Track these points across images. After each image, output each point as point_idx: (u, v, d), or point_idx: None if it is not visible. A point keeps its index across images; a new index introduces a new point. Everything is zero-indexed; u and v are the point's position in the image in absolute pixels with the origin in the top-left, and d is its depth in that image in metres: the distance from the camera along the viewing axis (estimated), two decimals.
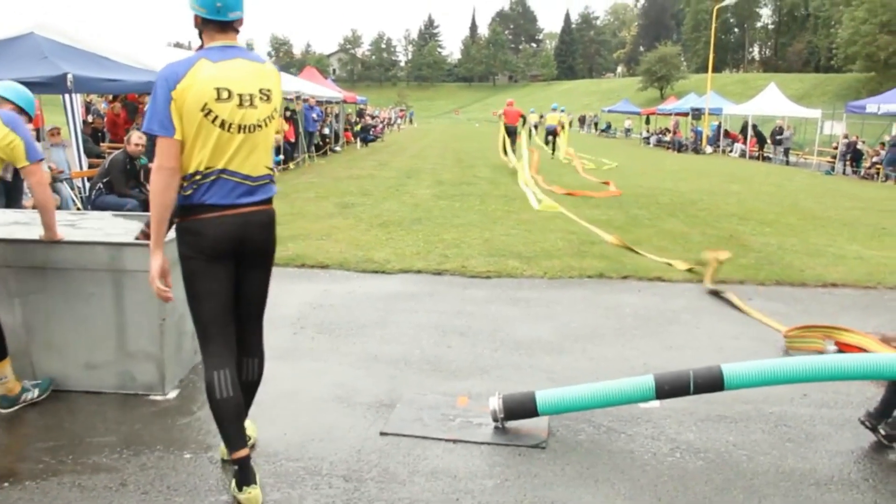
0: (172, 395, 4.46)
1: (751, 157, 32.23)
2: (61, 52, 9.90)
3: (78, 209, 9.70)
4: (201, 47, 3.32)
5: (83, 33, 11.14)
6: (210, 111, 3.12)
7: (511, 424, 4.11)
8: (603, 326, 6.13)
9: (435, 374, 4.95)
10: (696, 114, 38.21)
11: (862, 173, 24.36)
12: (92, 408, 4.26)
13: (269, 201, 3.37)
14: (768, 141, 31.95)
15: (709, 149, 35.68)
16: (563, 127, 27.99)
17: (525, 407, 4.05)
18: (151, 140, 3.25)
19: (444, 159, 24.19)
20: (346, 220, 10.70)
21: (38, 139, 10.86)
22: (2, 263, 4.33)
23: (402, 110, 71.87)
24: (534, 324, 6.13)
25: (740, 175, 22.40)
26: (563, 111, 30.37)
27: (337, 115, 28.60)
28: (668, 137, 39.66)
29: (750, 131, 33.49)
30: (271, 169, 3.40)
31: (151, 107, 3.16)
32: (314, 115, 22.02)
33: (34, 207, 4.37)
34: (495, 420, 4.10)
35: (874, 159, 23.78)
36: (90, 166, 11.00)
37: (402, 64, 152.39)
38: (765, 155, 31.81)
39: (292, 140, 20.15)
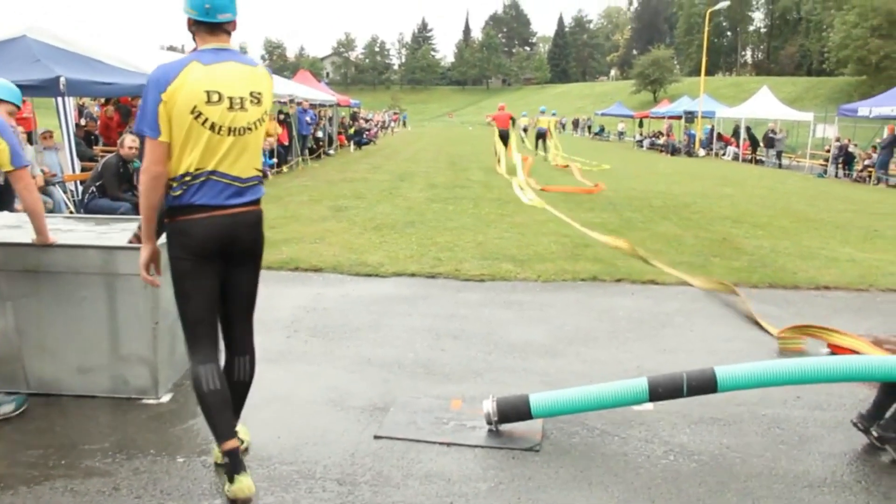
0: (166, 398, 4.44)
1: (744, 160, 32.29)
2: (54, 55, 9.89)
3: (70, 212, 9.68)
4: (195, 50, 3.34)
5: (76, 36, 11.12)
6: (200, 113, 3.15)
7: (505, 427, 4.11)
8: (596, 329, 6.14)
9: (429, 378, 4.95)
10: (690, 117, 38.31)
11: (854, 176, 24.43)
12: (85, 412, 4.25)
13: (257, 202, 3.42)
14: (761, 144, 32.02)
15: (702, 152, 35.76)
16: (550, 132, 28.66)
17: (519, 410, 4.05)
18: (143, 142, 3.29)
19: (437, 162, 24.19)
20: (339, 224, 10.69)
21: (31, 142, 10.84)
22: None
23: (395, 113, 71.87)
24: (527, 327, 6.13)
25: (733, 178, 22.45)
26: (553, 114, 30.80)
27: (331, 119, 28.57)
28: (661, 140, 39.69)
29: (743, 134, 33.56)
30: (260, 170, 3.43)
31: (142, 108, 3.21)
32: (308, 119, 22.00)
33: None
34: (489, 423, 4.09)
35: (866, 162, 23.85)
36: (83, 169, 10.97)
37: (396, 67, 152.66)
38: (757, 158, 31.87)
39: (286, 143, 20.13)
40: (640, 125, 49.53)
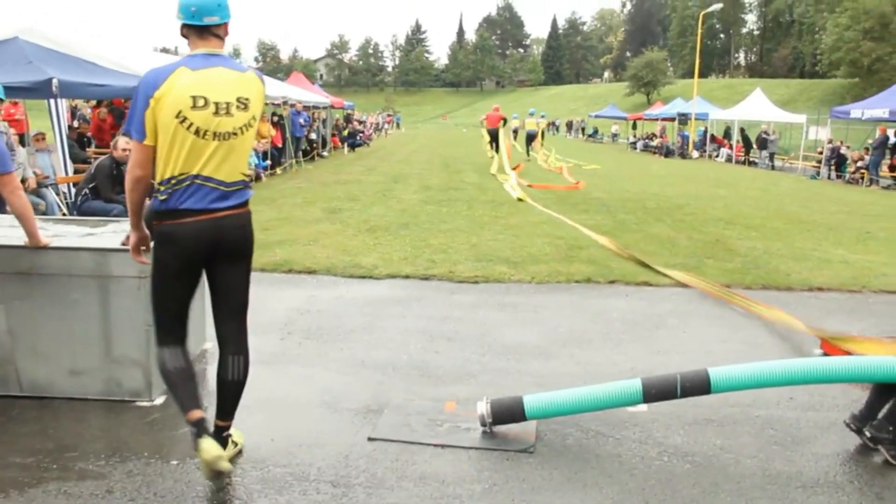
0: (159, 401, 4.43)
1: (737, 162, 32.39)
2: (46, 57, 9.85)
3: (63, 215, 9.66)
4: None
5: (69, 37, 11.09)
6: (185, 118, 3.20)
7: (499, 429, 4.11)
8: (590, 331, 6.15)
9: (422, 380, 4.95)
10: (683, 119, 38.39)
11: (846, 178, 24.52)
12: (78, 414, 4.24)
13: (242, 205, 3.45)
14: (754, 146, 32.11)
15: (695, 154, 35.84)
16: (542, 133, 28.96)
17: (513, 411, 4.05)
18: None
19: (431, 164, 24.19)
20: (333, 226, 10.68)
21: (23, 144, 10.82)
22: None
23: (389, 115, 71.83)
24: (521, 328, 6.14)
25: (726, 180, 22.50)
26: (543, 116, 31.51)
27: (324, 121, 28.57)
28: (654, 142, 39.78)
29: (736, 136, 33.65)
30: (246, 175, 3.46)
31: (131, 111, 3.30)
32: (301, 121, 21.98)
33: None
34: (483, 425, 4.09)
35: (858, 164, 23.93)
36: (76, 171, 10.96)
37: (390, 69, 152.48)
38: (751, 160, 31.96)
39: (279, 145, 20.11)
40: (634, 127, 49.66)
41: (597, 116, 60.67)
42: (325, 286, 7.38)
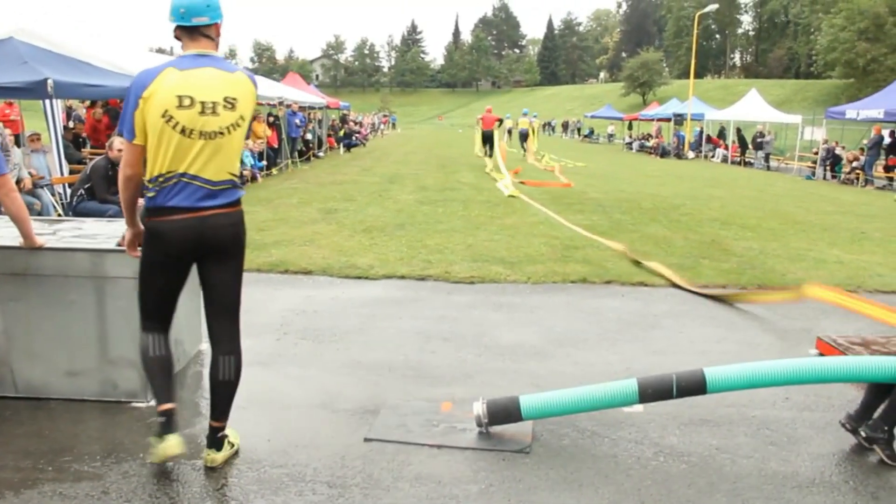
0: (155, 402, 4.42)
1: (732, 163, 32.44)
2: (41, 57, 9.83)
3: (59, 215, 9.64)
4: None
5: (64, 38, 11.07)
6: (171, 117, 3.26)
7: (495, 429, 4.11)
8: (586, 331, 6.15)
9: (419, 380, 4.95)
10: (679, 119, 38.44)
11: (841, 178, 24.56)
12: (73, 415, 4.23)
13: (231, 205, 3.47)
14: (750, 146, 32.16)
15: (691, 154, 35.90)
16: (533, 131, 30.47)
17: (509, 412, 4.05)
18: None
19: (427, 165, 24.19)
20: (329, 226, 10.68)
21: (18, 145, 10.80)
22: None
23: (385, 116, 71.81)
24: (517, 329, 6.14)
25: (722, 180, 22.54)
26: (535, 117, 32.38)
27: (320, 121, 28.55)
28: (650, 143, 39.84)
29: (732, 136, 33.71)
30: (234, 175, 3.48)
31: (123, 111, 3.38)
32: (297, 121, 21.98)
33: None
34: (479, 425, 4.09)
35: (853, 164, 23.98)
36: (71, 172, 10.93)
37: (386, 70, 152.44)
38: (746, 160, 32.01)
39: (275, 146, 20.10)
40: (630, 127, 49.69)
41: (593, 117, 60.72)
42: (321, 287, 7.37)
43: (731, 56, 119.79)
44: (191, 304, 4.62)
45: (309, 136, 24.76)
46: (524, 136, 30.79)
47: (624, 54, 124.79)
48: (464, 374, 5.08)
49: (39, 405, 4.34)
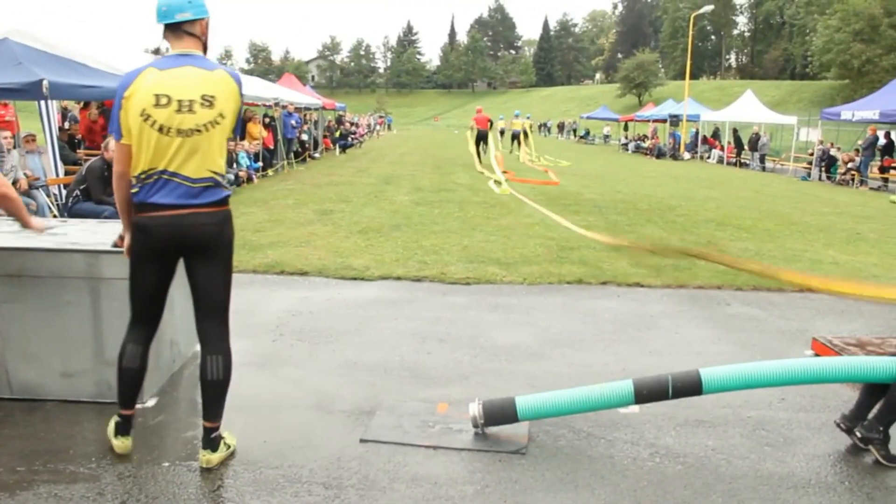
0: (150, 403, 4.42)
1: (728, 163, 32.50)
2: (36, 58, 9.80)
3: (54, 216, 9.63)
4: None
5: (59, 39, 11.04)
6: (149, 116, 3.33)
7: (491, 430, 4.11)
8: (582, 332, 6.15)
9: (415, 381, 4.95)
10: (674, 120, 38.50)
11: (837, 179, 24.61)
12: (69, 417, 4.22)
13: (214, 204, 3.51)
14: (746, 147, 32.22)
15: (687, 155, 35.95)
16: (525, 133, 30.89)
17: (505, 412, 4.05)
18: None
19: (422, 166, 24.20)
20: (325, 227, 10.67)
21: (14, 145, 10.76)
22: None
23: (381, 117, 71.77)
24: (513, 330, 6.14)
25: (718, 181, 22.58)
26: (528, 118, 33.21)
27: (316, 122, 28.54)
28: (646, 144, 39.90)
29: (728, 137, 33.77)
30: (216, 173, 3.51)
31: (112, 112, 3.48)
32: (293, 122, 21.96)
33: (10, 215, 4.31)
34: (475, 426, 4.09)
35: (849, 165, 24.03)
36: (66, 173, 10.92)
37: (381, 71, 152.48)
38: (742, 161, 32.07)
39: (271, 147, 20.09)
40: (626, 128, 49.74)
41: (588, 118, 60.79)
42: (317, 288, 7.37)
43: (727, 57, 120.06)
44: (188, 305, 4.60)
45: (305, 137, 24.74)
46: (515, 137, 31.37)
47: (620, 55, 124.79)
48: (460, 374, 5.08)
49: (34, 406, 4.33)
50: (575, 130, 63.30)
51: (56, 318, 4.31)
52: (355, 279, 7.72)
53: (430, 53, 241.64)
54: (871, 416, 4.06)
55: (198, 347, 5.16)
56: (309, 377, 4.96)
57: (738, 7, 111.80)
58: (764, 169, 30.15)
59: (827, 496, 3.58)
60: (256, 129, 19.06)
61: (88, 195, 8.94)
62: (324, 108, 30.31)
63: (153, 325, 3.72)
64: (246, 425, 4.10)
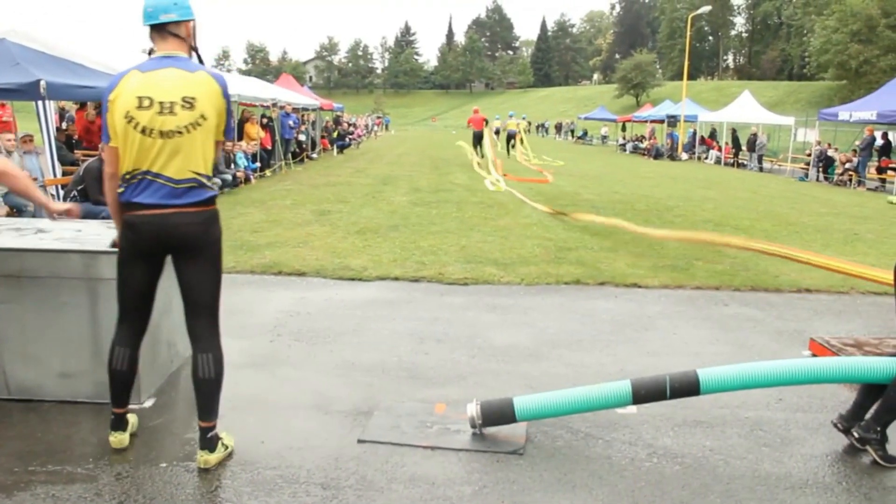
0: (148, 403, 4.42)
1: (726, 164, 32.52)
2: (34, 59, 9.80)
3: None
4: None
5: (56, 39, 11.04)
6: (132, 118, 3.39)
7: (489, 431, 4.11)
8: (580, 332, 6.16)
9: (412, 381, 4.95)
10: (672, 121, 38.52)
11: (834, 180, 24.64)
12: (67, 417, 4.22)
13: (198, 204, 3.53)
14: (743, 148, 32.25)
15: (684, 155, 35.97)
16: (521, 135, 31.75)
17: (503, 413, 4.05)
18: None
19: (420, 166, 24.20)
20: (322, 228, 10.67)
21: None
22: None
23: (378, 118, 71.74)
24: (511, 330, 6.14)
25: (716, 181, 22.60)
26: (524, 118, 34.15)
27: (314, 123, 28.53)
28: (644, 144, 39.93)
29: (726, 137, 33.79)
30: (199, 174, 3.53)
31: (101, 115, 3.54)
32: (291, 123, 21.96)
33: (8, 215, 4.31)
34: (473, 426, 4.10)
35: (846, 166, 24.06)
36: (64, 174, 10.90)
37: (379, 71, 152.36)
38: (740, 162, 32.10)
39: (269, 147, 20.08)
40: (623, 129, 49.73)
41: (586, 118, 60.79)
42: (315, 288, 7.37)
43: (725, 58, 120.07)
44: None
45: (302, 138, 24.73)
46: (511, 138, 31.94)
47: (617, 56, 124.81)
48: (457, 375, 5.08)
49: (32, 407, 4.33)
50: (573, 131, 63.27)
51: (54, 318, 4.31)
52: (353, 280, 7.72)
53: (428, 54, 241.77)
54: (868, 416, 4.06)
55: None
56: (307, 378, 4.96)
57: (735, 8, 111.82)
58: (761, 169, 30.18)
59: (824, 496, 3.59)
60: (254, 129, 19.05)
61: (86, 195, 8.92)
62: (321, 108, 30.30)
63: (141, 325, 3.76)
64: (244, 426, 4.10)
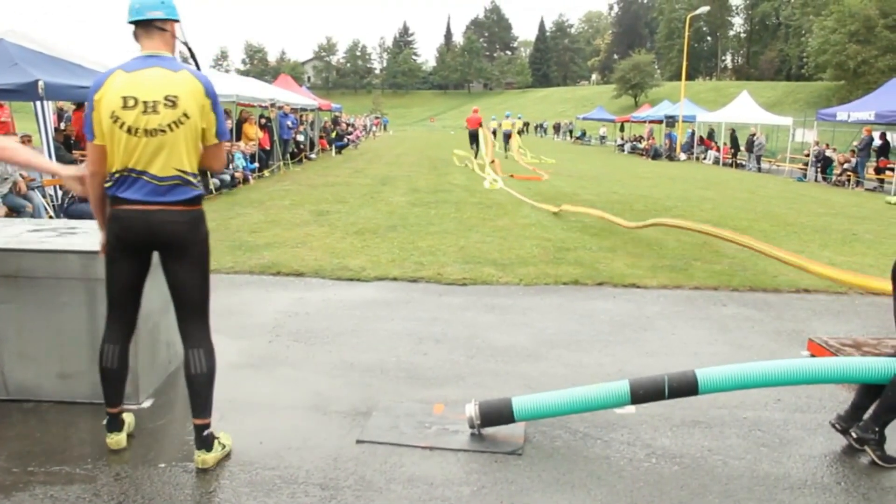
0: (147, 404, 4.42)
1: (724, 164, 32.53)
2: (32, 59, 9.79)
3: (50, 217, 9.61)
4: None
5: (54, 39, 11.03)
6: (117, 118, 3.43)
7: (487, 431, 4.11)
8: (578, 333, 6.16)
9: (411, 382, 4.95)
10: (670, 121, 38.54)
11: (833, 180, 24.65)
12: (65, 418, 4.21)
13: (183, 202, 3.55)
14: (742, 148, 32.27)
15: (683, 156, 35.99)
16: (517, 133, 32.71)
17: (501, 413, 4.05)
18: None
19: (419, 166, 24.21)
20: (321, 228, 10.67)
21: None
22: None
23: (377, 118, 71.72)
24: (510, 330, 6.14)
25: (714, 182, 22.61)
26: (519, 118, 34.86)
27: (312, 123, 28.52)
28: (642, 145, 39.95)
29: (724, 138, 33.80)
30: (184, 171, 3.54)
31: (84, 114, 3.58)
32: (289, 123, 21.96)
33: (7, 215, 4.31)
34: (472, 427, 4.10)
35: (845, 166, 24.07)
36: None
37: (378, 71, 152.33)
38: (738, 162, 32.11)
39: (267, 147, 20.08)
40: (622, 129, 49.75)
41: (584, 119, 60.81)
42: (314, 288, 7.37)
43: (723, 58, 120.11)
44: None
45: (301, 138, 24.73)
46: (507, 137, 32.41)
47: (615, 56, 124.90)
48: (456, 375, 5.08)
49: (31, 407, 4.32)
50: (571, 131, 63.28)
51: (52, 318, 4.31)
52: (351, 280, 7.72)
53: (427, 54, 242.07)
54: (866, 416, 4.06)
55: None
56: (305, 378, 4.96)
57: (733, 8, 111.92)
58: (760, 170, 30.21)
59: (823, 497, 3.59)
60: (252, 129, 19.05)
61: (84, 196, 8.91)
62: (320, 108, 30.32)
63: (129, 321, 3.78)
64: (242, 426, 4.09)
